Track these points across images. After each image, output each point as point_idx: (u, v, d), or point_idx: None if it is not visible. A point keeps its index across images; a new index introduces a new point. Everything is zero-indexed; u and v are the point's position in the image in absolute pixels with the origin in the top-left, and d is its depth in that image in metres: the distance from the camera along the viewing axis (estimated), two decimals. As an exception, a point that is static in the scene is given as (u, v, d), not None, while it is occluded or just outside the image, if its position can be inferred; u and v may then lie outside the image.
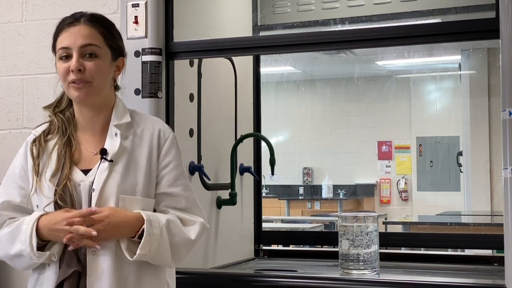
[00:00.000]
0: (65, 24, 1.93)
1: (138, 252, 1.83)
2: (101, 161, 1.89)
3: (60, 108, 2.00)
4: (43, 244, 1.86)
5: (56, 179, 1.88)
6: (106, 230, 1.81)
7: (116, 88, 2.04)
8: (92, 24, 1.92)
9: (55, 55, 1.95)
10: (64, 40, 1.90)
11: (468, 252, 3.81)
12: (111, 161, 1.89)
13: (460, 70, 8.46)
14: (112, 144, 1.92)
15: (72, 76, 1.88)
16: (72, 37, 1.89)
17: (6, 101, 2.83)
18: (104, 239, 1.83)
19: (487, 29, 2.23)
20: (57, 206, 1.86)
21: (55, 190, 1.87)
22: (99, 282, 1.84)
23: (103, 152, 1.89)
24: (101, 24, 1.94)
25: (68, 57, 1.89)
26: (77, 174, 1.90)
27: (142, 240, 1.83)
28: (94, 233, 1.78)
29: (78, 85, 1.88)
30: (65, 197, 1.86)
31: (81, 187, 1.88)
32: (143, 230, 1.83)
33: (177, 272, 2.13)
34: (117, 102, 2.00)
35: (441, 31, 2.37)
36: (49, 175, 1.89)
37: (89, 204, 1.86)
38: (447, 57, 8.66)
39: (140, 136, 1.96)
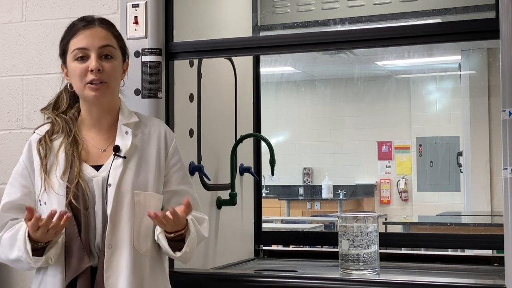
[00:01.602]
0: (79, 26, 1.98)
1: (184, 249, 1.92)
2: (114, 157, 1.94)
3: (61, 110, 2.05)
4: (42, 246, 1.88)
5: (67, 176, 1.92)
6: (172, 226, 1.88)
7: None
8: (107, 27, 2.00)
9: (63, 59, 2.00)
10: (81, 41, 1.95)
11: (468, 252, 3.81)
12: (124, 157, 1.94)
13: (460, 70, 8.46)
14: (123, 141, 1.98)
15: (91, 76, 1.93)
16: (90, 38, 1.95)
17: (6, 101, 2.83)
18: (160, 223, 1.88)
19: (487, 29, 2.23)
20: (69, 205, 1.89)
21: (67, 186, 1.90)
22: (116, 276, 1.88)
23: (117, 149, 1.94)
24: (113, 27, 2.03)
25: (84, 58, 1.95)
26: (88, 170, 1.95)
27: (188, 239, 1.92)
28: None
29: (96, 85, 1.93)
30: (77, 194, 1.89)
31: (94, 183, 1.93)
32: (181, 230, 1.91)
33: (177, 272, 2.13)
34: (122, 104, 2.07)
35: (441, 31, 2.37)
36: (59, 173, 1.93)
37: (104, 199, 1.91)
38: (447, 57, 8.66)
39: (148, 135, 2.04)
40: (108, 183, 1.92)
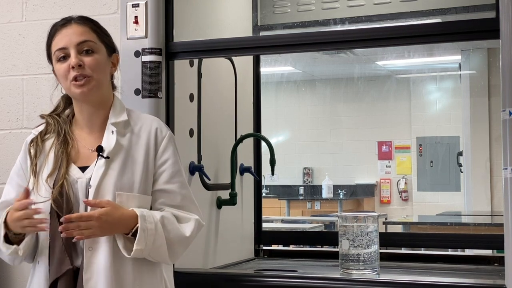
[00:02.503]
0: (56, 27, 1.98)
1: (134, 247, 1.85)
2: (98, 158, 1.91)
3: (56, 113, 2.05)
4: (19, 238, 1.89)
5: (53, 178, 1.91)
6: (101, 227, 1.82)
7: (113, 87, 2.07)
8: (84, 23, 1.98)
9: (51, 62, 1.99)
10: (59, 41, 1.95)
11: (468, 252, 3.81)
12: (107, 157, 1.91)
13: (460, 70, 8.46)
14: (108, 141, 1.94)
15: (73, 73, 1.91)
16: (67, 37, 1.94)
17: (6, 101, 2.83)
18: (97, 235, 1.85)
19: (487, 29, 2.23)
20: (53, 206, 1.88)
21: (52, 191, 1.89)
22: (96, 278, 1.85)
23: (100, 149, 1.91)
24: (91, 22, 2.00)
25: (65, 57, 1.93)
26: (75, 172, 1.92)
27: (138, 236, 1.84)
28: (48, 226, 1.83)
29: (80, 82, 1.91)
30: (61, 197, 1.87)
31: (78, 184, 1.91)
32: (137, 227, 1.85)
33: (177, 272, 2.13)
34: (115, 101, 2.03)
35: (441, 31, 2.37)
36: (45, 175, 1.92)
37: None
38: (447, 57, 8.66)
39: (137, 134, 1.99)
40: (89, 184, 1.89)
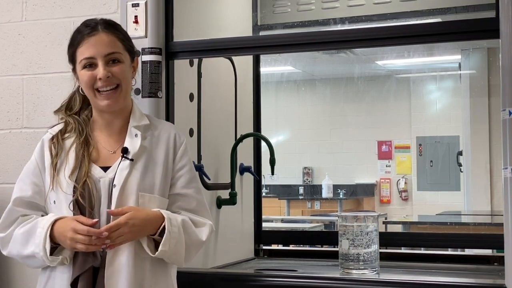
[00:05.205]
0: (83, 34, 1.97)
1: (160, 248, 1.90)
2: (121, 159, 1.95)
3: (73, 111, 2.07)
4: (56, 246, 1.91)
5: (75, 176, 1.94)
6: (132, 232, 1.87)
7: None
8: (111, 31, 1.99)
9: (74, 65, 2.00)
10: (87, 50, 1.96)
11: (468, 252, 3.81)
12: (132, 159, 1.95)
13: (460, 70, 8.46)
14: (132, 143, 1.99)
15: (99, 84, 1.94)
16: (95, 47, 1.95)
17: (6, 101, 2.83)
18: (129, 240, 1.89)
19: (487, 29, 2.23)
20: (77, 203, 1.91)
21: (74, 186, 1.92)
22: (117, 277, 1.89)
23: (125, 151, 1.96)
24: (118, 30, 2.02)
25: (91, 65, 1.95)
26: (97, 171, 1.96)
27: (164, 237, 1.90)
28: (104, 245, 1.85)
29: (107, 93, 1.95)
30: (84, 194, 1.91)
31: (101, 184, 1.94)
32: (163, 228, 1.90)
33: (177, 272, 2.13)
34: (134, 106, 2.08)
35: (441, 31, 2.37)
36: (68, 172, 1.95)
37: (109, 200, 1.92)
38: (447, 57, 8.66)
39: (157, 138, 2.05)
40: (113, 184, 1.93)
